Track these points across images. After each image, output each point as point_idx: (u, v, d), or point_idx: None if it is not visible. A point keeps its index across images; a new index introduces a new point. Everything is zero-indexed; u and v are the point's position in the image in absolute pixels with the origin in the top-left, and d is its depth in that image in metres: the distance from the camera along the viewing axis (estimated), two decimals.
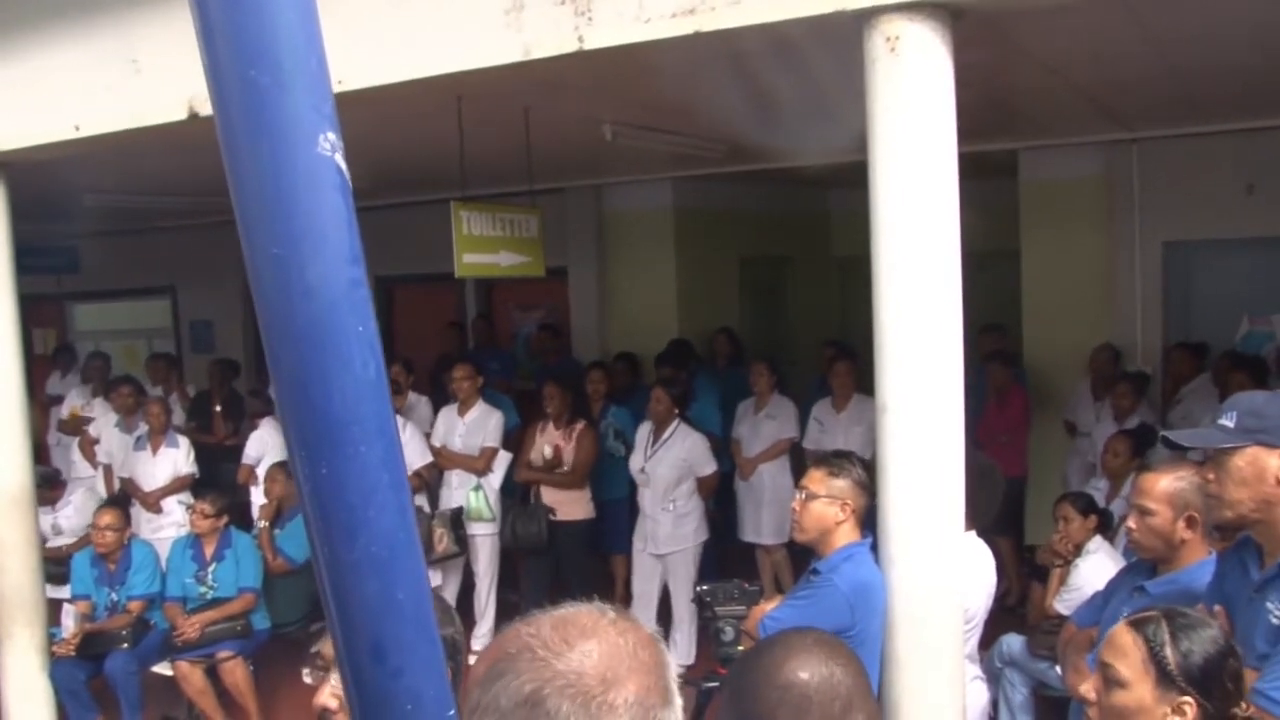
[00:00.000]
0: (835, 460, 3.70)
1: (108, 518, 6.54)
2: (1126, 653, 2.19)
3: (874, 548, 3.47)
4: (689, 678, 4.45)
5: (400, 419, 7.04)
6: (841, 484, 3.58)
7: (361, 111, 4.43)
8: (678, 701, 1.18)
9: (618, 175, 9.29)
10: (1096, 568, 5.00)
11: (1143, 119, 7.20)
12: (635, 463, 6.98)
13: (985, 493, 3.68)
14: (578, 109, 5.87)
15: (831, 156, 6.82)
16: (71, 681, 6.03)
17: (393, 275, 10.98)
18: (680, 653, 6.64)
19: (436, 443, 7.43)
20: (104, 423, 8.72)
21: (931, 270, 3.23)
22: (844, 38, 3.33)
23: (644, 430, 7.02)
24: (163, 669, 6.47)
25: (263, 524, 6.92)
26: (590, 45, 3.58)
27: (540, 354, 10.13)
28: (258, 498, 7.42)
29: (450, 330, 10.61)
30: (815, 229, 11.81)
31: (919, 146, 3.22)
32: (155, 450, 7.92)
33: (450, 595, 7.18)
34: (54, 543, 7.38)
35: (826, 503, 3.56)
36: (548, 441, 7.25)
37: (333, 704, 2.13)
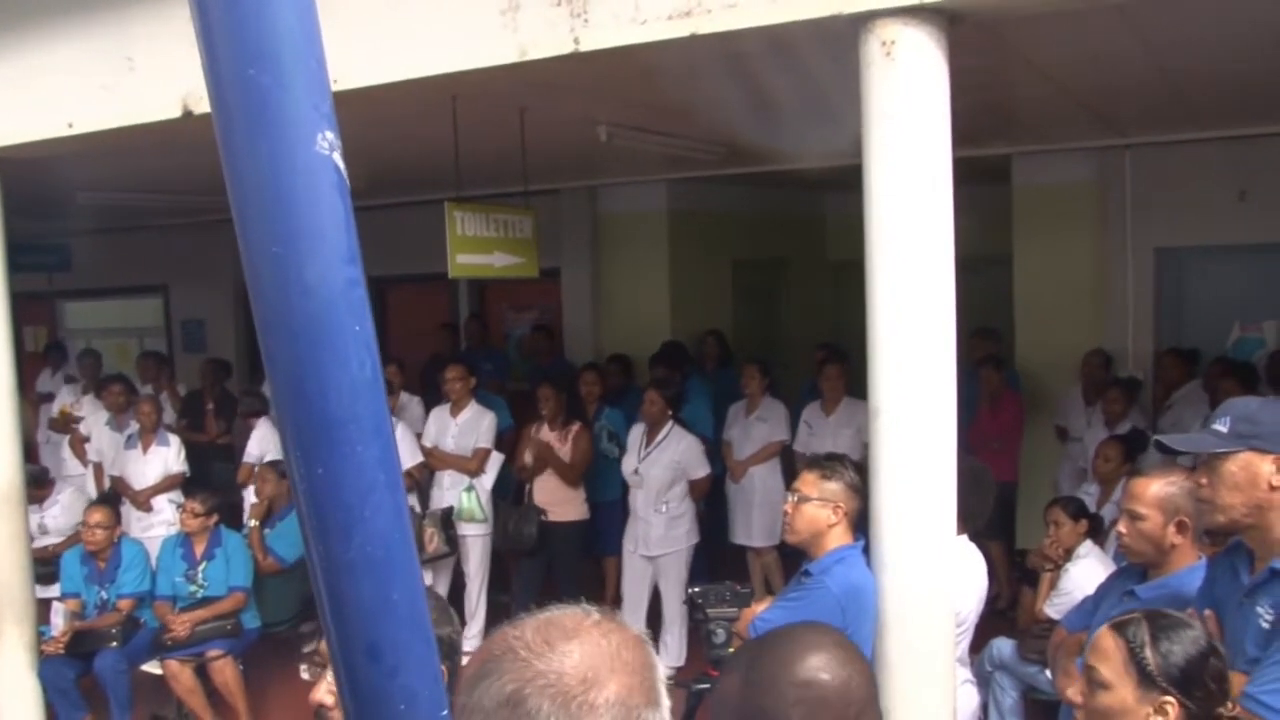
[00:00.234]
0: (828, 463, 3.70)
1: (98, 516, 6.53)
2: (1108, 655, 2.21)
3: (866, 550, 3.47)
4: (680, 680, 4.46)
5: (392, 418, 7.02)
6: (834, 487, 3.59)
7: (356, 111, 4.42)
8: (665, 703, 1.18)
9: (612, 177, 9.29)
10: (1087, 572, 5.02)
11: (1136, 125, 7.22)
12: (628, 464, 6.97)
13: (977, 497, 3.68)
14: (573, 110, 5.87)
15: (827, 160, 6.82)
16: (60, 680, 6.01)
17: (386, 276, 10.97)
18: (671, 655, 6.64)
19: (429, 443, 7.42)
20: (94, 421, 8.70)
21: (925, 274, 3.24)
22: (840, 41, 3.34)
23: (637, 432, 7.02)
24: (152, 668, 6.45)
25: (253, 523, 6.91)
26: (586, 47, 3.58)
27: (533, 355, 10.13)
28: (252, 497, 7.41)
29: (442, 331, 10.60)
30: (811, 232, 11.82)
31: (914, 151, 3.22)
32: (146, 449, 7.90)
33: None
34: (40, 542, 7.35)
35: (818, 505, 3.57)
36: (538, 444, 7.25)
37: (329, 700, 2.13)
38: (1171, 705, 2.11)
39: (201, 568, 6.54)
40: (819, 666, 1.67)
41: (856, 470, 3.68)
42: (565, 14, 3.58)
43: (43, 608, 6.13)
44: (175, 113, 4.33)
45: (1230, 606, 2.67)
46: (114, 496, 7.79)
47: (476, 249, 6.00)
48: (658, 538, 6.84)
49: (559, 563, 7.29)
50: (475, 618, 7.32)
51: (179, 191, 8.46)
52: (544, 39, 3.64)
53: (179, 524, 6.83)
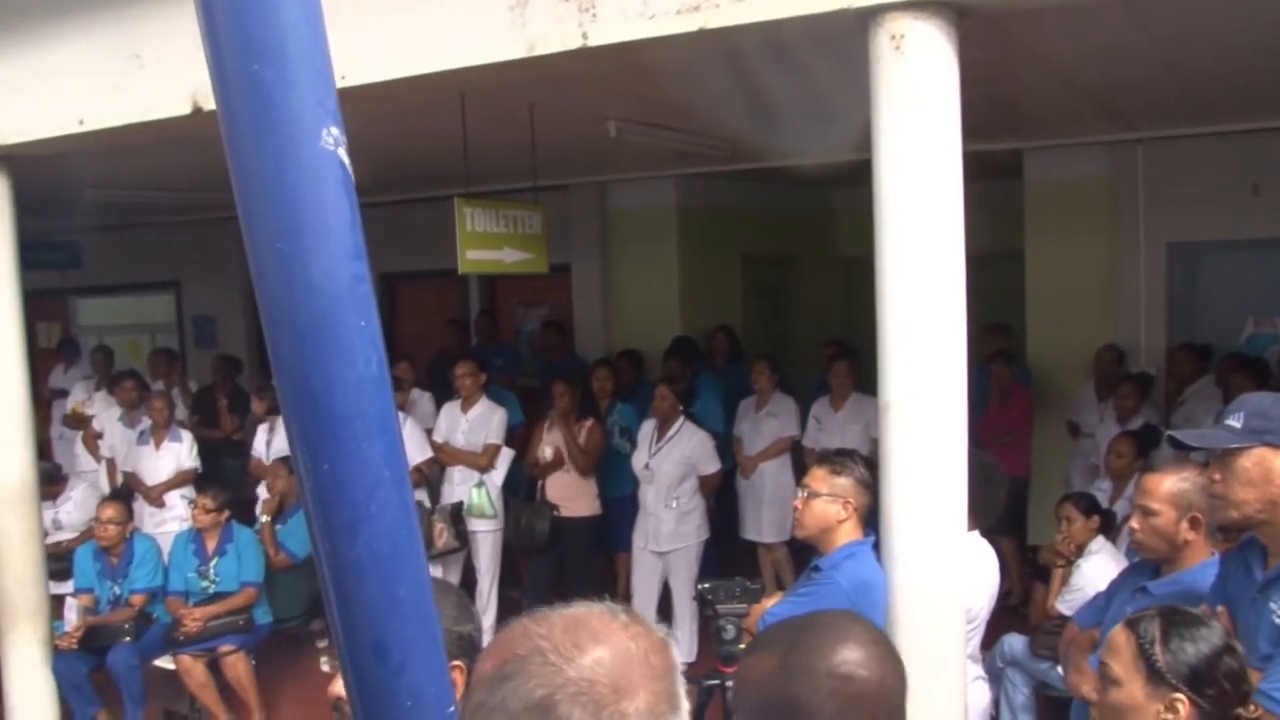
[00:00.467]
0: (838, 458, 3.69)
1: (110, 511, 6.56)
2: (1120, 651, 2.20)
3: (876, 546, 3.47)
4: (690, 675, 4.46)
5: (400, 415, 7.04)
6: (844, 482, 3.58)
7: (365, 107, 4.43)
8: (685, 706, 1.17)
9: (622, 172, 9.28)
10: (1099, 568, 5.00)
11: (1148, 119, 7.19)
12: (639, 460, 6.97)
13: (989, 492, 3.67)
14: (582, 106, 5.87)
15: (836, 155, 6.82)
16: (74, 675, 6.04)
17: (396, 272, 11.00)
18: (682, 650, 6.55)
19: (439, 439, 7.42)
20: (107, 417, 8.74)
21: (935, 269, 3.22)
22: (849, 36, 3.33)
23: (648, 427, 7.02)
24: (165, 663, 6.48)
25: (264, 519, 6.93)
26: (594, 42, 3.57)
27: (544, 351, 10.14)
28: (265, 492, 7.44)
29: (449, 327, 10.61)
30: (821, 228, 11.80)
31: (923, 146, 3.21)
32: (158, 445, 7.93)
33: None
34: (54, 538, 7.39)
35: (828, 501, 3.56)
36: (550, 443, 7.26)
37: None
38: (1182, 703, 2.10)
39: (213, 563, 6.56)
40: (859, 662, 1.64)
41: (867, 465, 3.67)
42: (574, 9, 3.58)
43: (56, 603, 6.15)
44: (185, 109, 4.34)
45: (1243, 603, 2.66)
46: (126, 492, 7.82)
47: (486, 245, 6.00)
48: (668, 533, 6.84)
49: (571, 558, 7.30)
50: (486, 613, 7.33)
51: (190, 188, 8.48)
52: (552, 34, 3.63)
53: (191, 519, 6.86)
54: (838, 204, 11.75)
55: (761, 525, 7.74)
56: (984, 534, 3.75)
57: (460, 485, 7.30)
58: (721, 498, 7.82)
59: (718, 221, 10.23)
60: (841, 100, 4.42)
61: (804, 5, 3.27)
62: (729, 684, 2.99)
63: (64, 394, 10.29)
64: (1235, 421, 2.61)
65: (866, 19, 3.22)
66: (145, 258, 12.18)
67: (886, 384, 3.30)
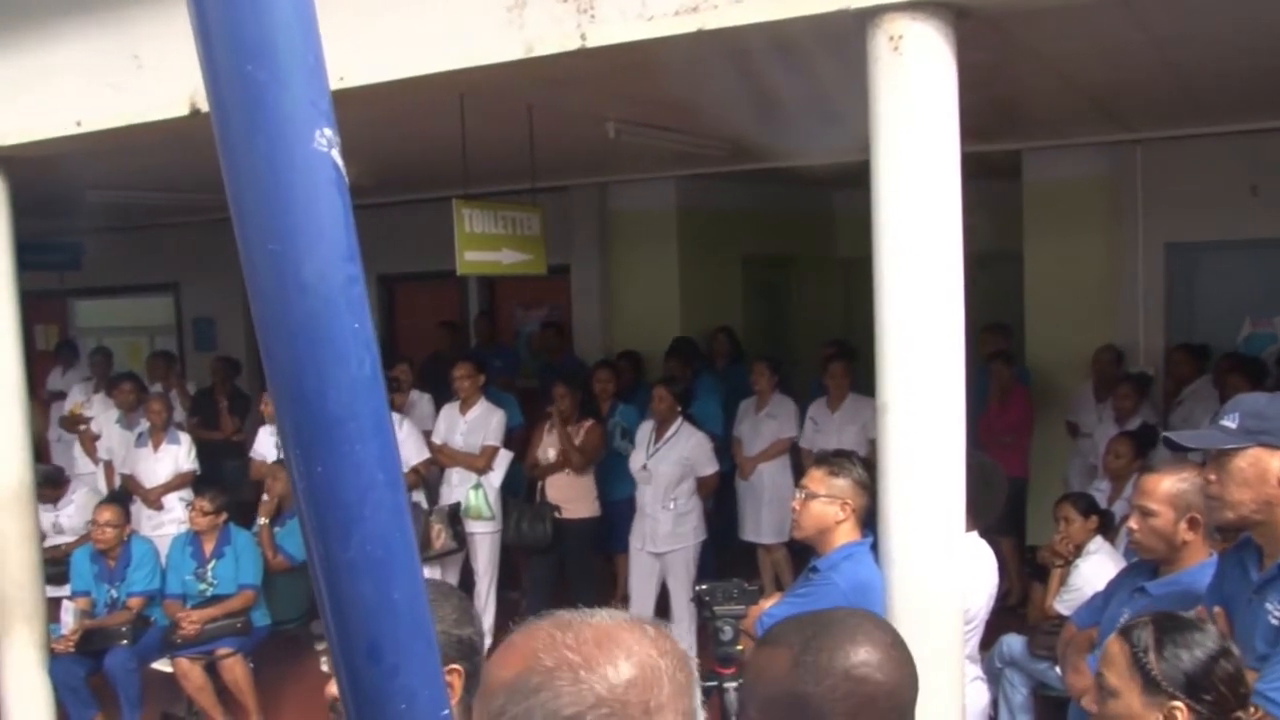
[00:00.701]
0: (836, 459, 3.69)
1: (107, 514, 6.55)
2: (1115, 661, 2.18)
3: (874, 547, 3.46)
4: None
5: (398, 416, 7.06)
6: (841, 483, 3.58)
7: (364, 108, 4.43)
8: (701, 718, 1.17)
9: (621, 173, 9.28)
10: (1097, 568, 5.00)
11: (1146, 120, 7.19)
12: (636, 460, 6.97)
13: (987, 493, 3.67)
14: (581, 107, 5.87)
15: (834, 156, 6.82)
16: (71, 678, 6.04)
17: (395, 273, 10.99)
18: None
19: (438, 440, 7.42)
20: (105, 419, 8.73)
21: (933, 270, 3.22)
22: (847, 37, 3.33)
23: (646, 428, 7.02)
24: (162, 666, 6.48)
25: (263, 521, 6.92)
26: (593, 43, 3.57)
27: (543, 352, 10.14)
28: None
29: (441, 329, 10.61)
30: (820, 229, 11.80)
31: (922, 146, 3.21)
32: (157, 447, 7.92)
33: None
34: (53, 541, 7.39)
35: (826, 502, 3.56)
36: (552, 444, 7.27)
37: None
38: (1180, 711, 2.08)
39: (211, 566, 6.56)
40: (875, 665, 1.62)
41: (865, 467, 3.67)
42: (572, 10, 3.58)
43: (53, 606, 6.15)
44: (183, 110, 4.34)
45: (1240, 603, 2.66)
46: (123, 495, 7.81)
47: (484, 246, 6.01)
48: (665, 534, 6.84)
49: (571, 560, 7.29)
50: (485, 615, 7.33)
51: (188, 189, 8.48)
52: (550, 35, 3.63)
53: (189, 522, 6.85)
54: (837, 205, 11.75)
55: (761, 526, 7.74)
56: (983, 534, 3.75)
57: (459, 487, 7.30)
58: (721, 499, 7.82)
59: (718, 222, 10.23)
60: (840, 101, 4.42)
61: (802, 6, 3.27)
62: (727, 685, 2.99)
63: (62, 396, 10.29)
64: (1230, 422, 2.60)
65: (865, 20, 3.22)
66: (144, 259, 12.17)
67: (885, 385, 3.30)
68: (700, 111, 6.02)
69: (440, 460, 7.38)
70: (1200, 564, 3.01)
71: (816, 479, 3.62)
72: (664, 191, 9.74)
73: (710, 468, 6.95)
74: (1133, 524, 3.15)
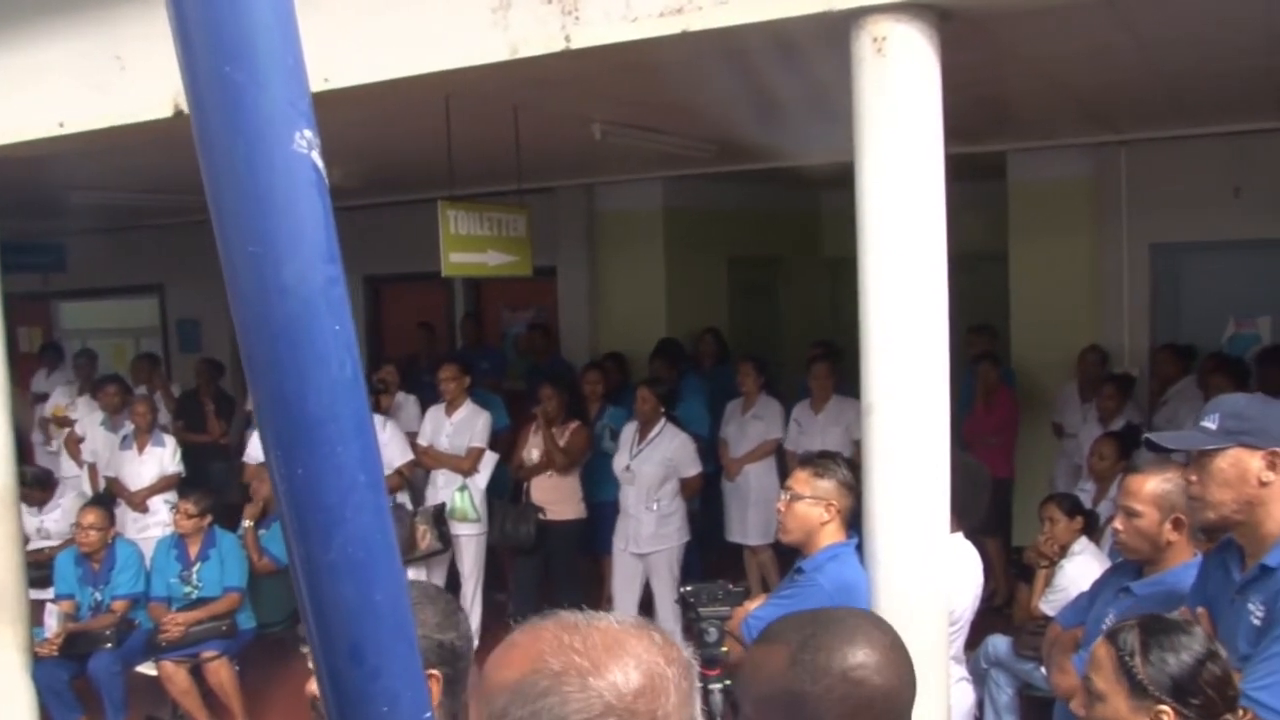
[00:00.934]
0: (820, 461, 3.70)
1: (91, 517, 6.52)
2: (1101, 665, 2.18)
3: (859, 548, 3.47)
4: None
5: (382, 418, 7.05)
6: (826, 485, 3.59)
7: (350, 110, 4.42)
8: None
9: (608, 174, 9.28)
10: (1082, 568, 5.02)
11: (1131, 121, 7.22)
12: (620, 461, 6.96)
13: (972, 494, 3.68)
14: (566, 108, 5.86)
15: (820, 157, 6.82)
16: (54, 681, 6.01)
17: (381, 274, 10.97)
18: None
19: (424, 442, 7.41)
20: (89, 421, 8.69)
21: (917, 271, 3.23)
22: (831, 38, 3.33)
23: (630, 429, 7.02)
24: (147, 669, 6.44)
25: (248, 523, 6.90)
26: (577, 44, 3.57)
27: (530, 353, 10.13)
28: None
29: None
30: (806, 230, 11.83)
31: (906, 147, 3.21)
32: (141, 449, 7.89)
33: None
34: (37, 544, 7.34)
35: (811, 503, 3.56)
36: (537, 445, 7.26)
37: None
38: (1167, 714, 2.07)
39: (196, 568, 6.53)
40: (874, 667, 1.61)
41: (849, 468, 3.68)
42: (556, 11, 3.57)
43: (37, 609, 6.12)
44: (166, 112, 4.32)
45: (1223, 604, 2.67)
46: (108, 498, 7.78)
47: (470, 247, 6.00)
48: (648, 535, 6.83)
49: (556, 561, 7.29)
50: (471, 617, 7.32)
51: (173, 191, 8.45)
52: (535, 36, 3.63)
53: (173, 525, 6.83)
54: (823, 205, 11.78)
55: (747, 528, 7.74)
56: (969, 535, 3.75)
57: (444, 489, 7.29)
58: (707, 500, 7.82)
59: (704, 223, 10.24)
60: (825, 102, 4.43)
61: (787, 7, 3.27)
62: (711, 686, 2.99)
63: (45, 398, 10.24)
64: (1210, 423, 2.61)
65: (849, 21, 3.22)
66: (129, 261, 12.13)
67: (869, 386, 3.30)
68: (686, 113, 6.03)
69: (425, 462, 7.37)
70: (1185, 564, 3.02)
71: (801, 480, 3.62)
72: (650, 192, 9.74)
73: (693, 469, 6.95)
74: (1117, 524, 3.16)
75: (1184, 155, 7.72)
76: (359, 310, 11.32)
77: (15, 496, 5.52)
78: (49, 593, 6.77)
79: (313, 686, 2.12)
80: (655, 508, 6.79)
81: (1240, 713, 2.18)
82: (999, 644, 5.50)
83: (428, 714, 0.86)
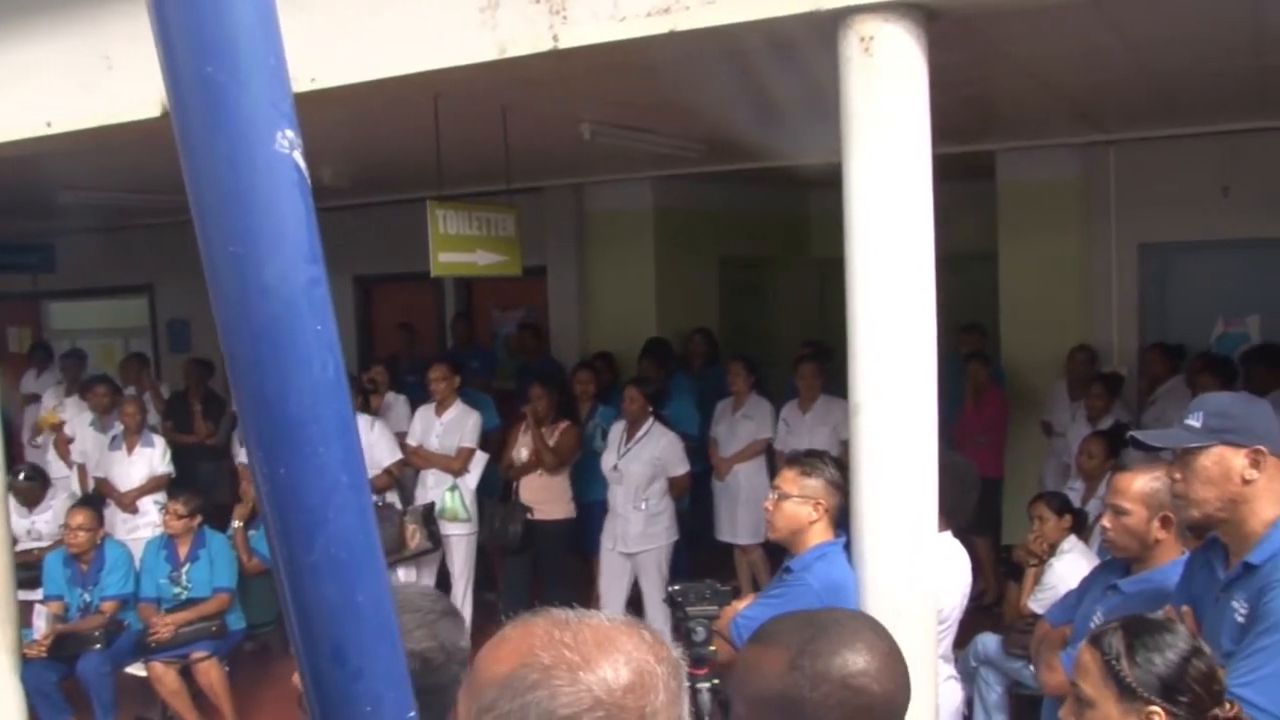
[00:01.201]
0: (808, 460, 3.70)
1: (80, 518, 6.50)
2: (1088, 670, 2.16)
3: (847, 547, 3.47)
4: None
5: (369, 418, 7.05)
6: (814, 483, 3.59)
7: (338, 110, 4.41)
8: None
9: (597, 174, 9.28)
10: (1071, 567, 5.03)
11: (1119, 121, 7.24)
12: (608, 460, 6.96)
13: (960, 493, 3.69)
14: (555, 108, 5.86)
15: (809, 157, 6.83)
16: (43, 683, 5.98)
17: (371, 274, 10.96)
18: None
19: (414, 442, 7.40)
20: (78, 422, 8.66)
21: (905, 271, 3.24)
22: (819, 38, 3.33)
23: (618, 429, 7.01)
24: (136, 670, 6.42)
25: (237, 524, 6.89)
26: (565, 44, 3.57)
27: (520, 353, 10.12)
28: None
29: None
30: (795, 230, 11.83)
31: (893, 147, 3.22)
32: (131, 450, 7.86)
33: None
34: (27, 545, 7.32)
35: (799, 502, 3.57)
36: (526, 444, 7.26)
37: None
38: (1157, 715, 2.07)
39: (185, 569, 6.51)
40: (872, 675, 1.61)
41: (837, 467, 3.68)
42: (544, 11, 3.57)
43: (25, 610, 6.09)
44: (154, 112, 4.31)
45: (1207, 602, 2.68)
46: (96, 498, 7.75)
47: (459, 247, 5.99)
48: (636, 534, 6.83)
49: (545, 561, 7.28)
50: None
51: (162, 190, 8.42)
52: (523, 36, 3.63)
53: (163, 525, 6.81)
54: (812, 206, 11.78)
55: (736, 527, 7.74)
56: (958, 534, 3.76)
57: (434, 489, 7.28)
58: (697, 499, 7.82)
59: (694, 223, 10.24)
60: (813, 102, 4.43)
61: (774, 7, 3.27)
62: (699, 686, 3.00)
63: (36, 399, 10.20)
64: (1195, 421, 2.62)
65: (836, 21, 3.22)
66: (118, 261, 12.09)
67: (857, 385, 3.31)
68: (675, 112, 6.03)
69: (415, 462, 7.36)
70: (1172, 562, 3.04)
71: (789, 479, 3.63)
72: (640, 192, 9.74)
73: (681, 468, 6.95)
74: (1106, 522, 3.17)
75: (1173, 155, 7.73)
76: (349, 311, 11.30)
77: (4, 497, 5.51)
78: (38, 594, 6.74)
79: (298, 679, 2.09)
80: (643, 507, 6.79)
81: (1227, 705, 2.18)
82: (988, 642, 5.51)
83: (411, 714, 0.86)
